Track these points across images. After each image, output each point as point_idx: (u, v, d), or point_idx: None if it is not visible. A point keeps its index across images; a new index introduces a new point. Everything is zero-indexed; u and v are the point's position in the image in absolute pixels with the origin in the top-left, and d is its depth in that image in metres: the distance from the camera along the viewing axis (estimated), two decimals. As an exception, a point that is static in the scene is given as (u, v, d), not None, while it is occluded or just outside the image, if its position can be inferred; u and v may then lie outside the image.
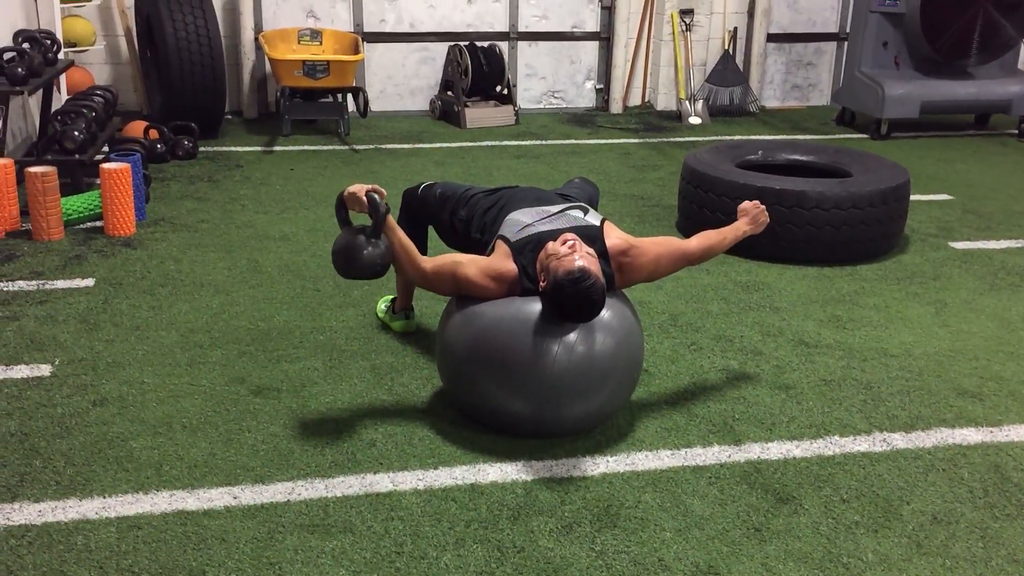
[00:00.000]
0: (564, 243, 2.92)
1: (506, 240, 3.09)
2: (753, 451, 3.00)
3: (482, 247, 3.23)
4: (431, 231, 3.64)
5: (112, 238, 4.73)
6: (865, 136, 7.46)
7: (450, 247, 3.51)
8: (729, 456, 2.97)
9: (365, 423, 3.11)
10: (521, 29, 7.94)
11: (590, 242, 3.02)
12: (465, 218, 3.40)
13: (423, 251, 3.69)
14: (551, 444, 3.00)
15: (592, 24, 8.07)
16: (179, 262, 4.45)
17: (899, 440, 3.08)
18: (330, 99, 7.07)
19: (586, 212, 3.22)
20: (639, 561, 2.47)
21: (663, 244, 3.20)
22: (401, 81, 7.84)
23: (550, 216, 3.15)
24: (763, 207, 3.44)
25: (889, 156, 6.38)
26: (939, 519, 2.68)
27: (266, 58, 7.11)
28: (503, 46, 7.75)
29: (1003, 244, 4.99)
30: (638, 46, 8.13)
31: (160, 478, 2.78)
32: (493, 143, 6.96)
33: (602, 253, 3.05)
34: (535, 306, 2.93)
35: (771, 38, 8.33)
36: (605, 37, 8.07)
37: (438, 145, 6.88)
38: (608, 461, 2.93)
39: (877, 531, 2.62)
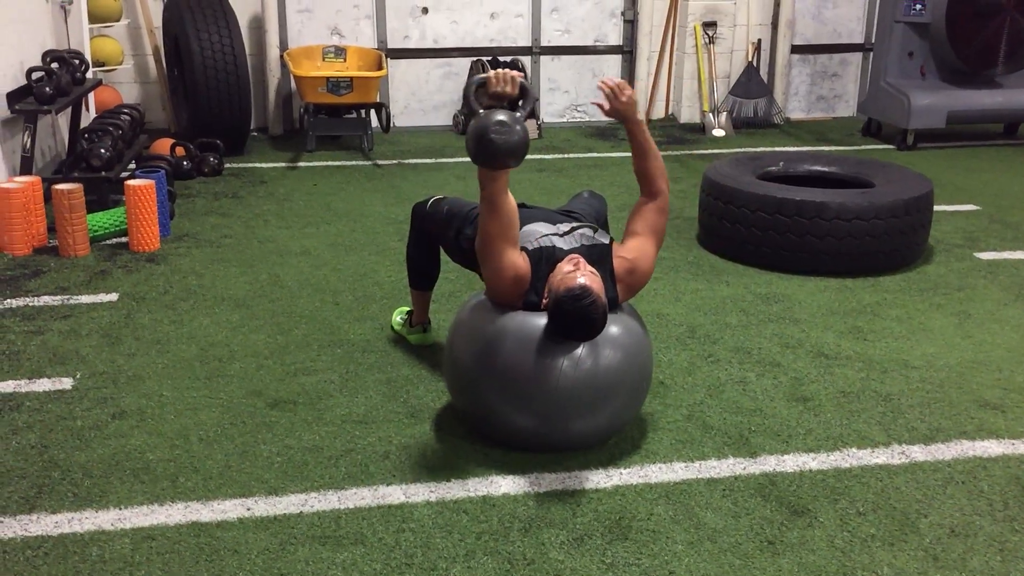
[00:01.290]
0: (569, 262, 2.92)
1: (524, 249, 3.07)
2: (768, 463, 2.97)
3: None
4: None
5: (136, 253, 4.79)
6: (891, 147, 7.40)
7: (460, 264, 3.52)
8: (744, 468, 2.95)
9: (379, 436, 3.12)
10: (544, 43, 7.97)
11: (599, 262, 3.01)
12: (472, 237, 3.37)
13: (436, 270, 3.70)
14: (564, 456, 2.99)
15: (615, 38, 8.08)
16: (201, 277, 4.50)
17: (918, 452, 3.04)
18: (354, 115, 7.14)
19: (595, 231, 3.20)
20: (650, 574, 2.45)
21: (651, 229, 3.13)
22: (425, 97, 7.89)
23: (562, 235, 3.14)
24: (615, 86, 3.06)
25: (915, 167, 6.32)
26: (957, 532, 2.64)
27: (291, 75, 7.19)
28: (526, 60, 7.77)
29: (1029, 254, 4.92)
30: (661, 59, 8.13)
31: (176, 490, 2.80)
32: (516, 157, 6.97)
33: (610, 273, 3.04)
34: (541, 320, 2.92)
35: (795, 49, 8.30)
36: (628, 51, 8.08)
37: (460, 160, 6.90)
38: (621, 473, 2.92)
39: (893, 544, 2.58)
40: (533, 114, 7.61)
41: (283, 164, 6.72)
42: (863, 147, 7.44)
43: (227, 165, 6.54)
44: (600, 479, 2.88)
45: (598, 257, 3.03)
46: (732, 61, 8.12)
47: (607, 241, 3.13)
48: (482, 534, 2.61)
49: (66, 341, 3.78)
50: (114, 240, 4.98)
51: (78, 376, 3.49)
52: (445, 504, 2.75)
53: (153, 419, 3.20)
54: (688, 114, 8.17)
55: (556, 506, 2.74)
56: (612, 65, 8.13)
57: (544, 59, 8.00)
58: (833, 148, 7.34)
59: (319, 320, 4.03)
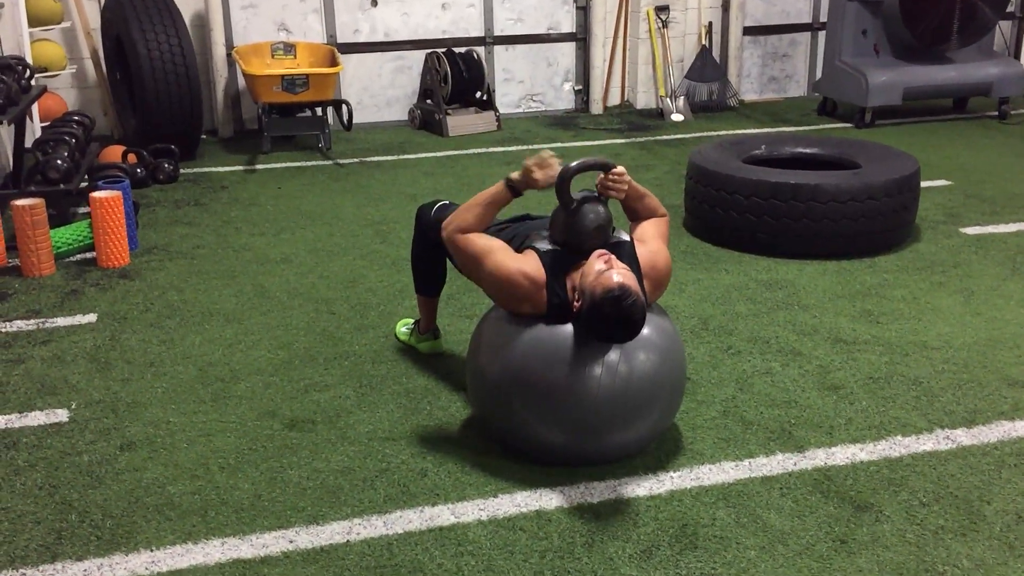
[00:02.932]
0: (599, 259, 2.76)
1: (536, 250, 2.93)
2: (818, 457, 2.90)
3: None
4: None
5: (107, 270, 4.52)
6: (849, 125, 7.44)
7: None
8: (795, 464, 2.87)
9: (411, 452, 2.96)
10: (497, 33, 7.82)
11: (627, 260, 2.88)
12: None
13: (443, 276, 3.54)
14: (610, 464, 2.87)
15: (568, 25, 7.97)
16: (182, 292, 4.27)
17: (963, 436, 3.00)
18: (308, 113, 6.90)
19: (613, 229, 3.07)
20: (730, 583, 2.36)
21: (658, 233, 3.04)
22: (378, 92, 7.68)
23: None
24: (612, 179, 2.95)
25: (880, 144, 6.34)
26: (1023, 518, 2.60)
27: (241, 74, 6.91)
28: (480, 51, 7.62)
29: (1013, 227, 4.96)
30: (615, 45, 8.05)
31: (207, 525, 2.61)
32: (479, 150, 6.83)
33: (637, 270, 2.90)
34: (568, 327, 2.77)
35: (746, 31, 8.30)
36: (582, 38, 7.98)
37: (423, 155, 6.73)
38: (672, 477, 2.82)
39: (965, 535, 2.53)
40: (491, 105, 7.47)
41: (240, 167, 6.45)
42: (822, 126, 7.46)
43: (182, 171, 6.25)
44: (652, 485, 2.78)
45: (621, 254, 2.89)
46: (685, 45, 8.08)
47: (628, 238, 2.99)
48: (545, 552, 2.49)
49: (51, 369, 3.53)
50: (79, 256, 4.70)
51: (73, 406, 3.25)
52: (499, 522, 2.61)
53: (165, 449, 2.99)
54: (644, 100, 8.11)
55: (614, 517, 2.63)
56: (567, 53, 8.02)
57: (498, 49, 7.85)
58: (794, 128, 7.36)
59: (317, 331, 3.84)
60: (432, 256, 3.52)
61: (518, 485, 2.78)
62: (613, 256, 2.80)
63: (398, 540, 2.55)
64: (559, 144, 6.98)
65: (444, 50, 7.39)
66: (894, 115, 7.58)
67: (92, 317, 3.98)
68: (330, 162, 6.56)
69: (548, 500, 2.71)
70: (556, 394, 2.74)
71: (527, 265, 2.83)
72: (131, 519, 2.64)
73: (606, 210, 2.85)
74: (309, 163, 6.56)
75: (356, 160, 6.62)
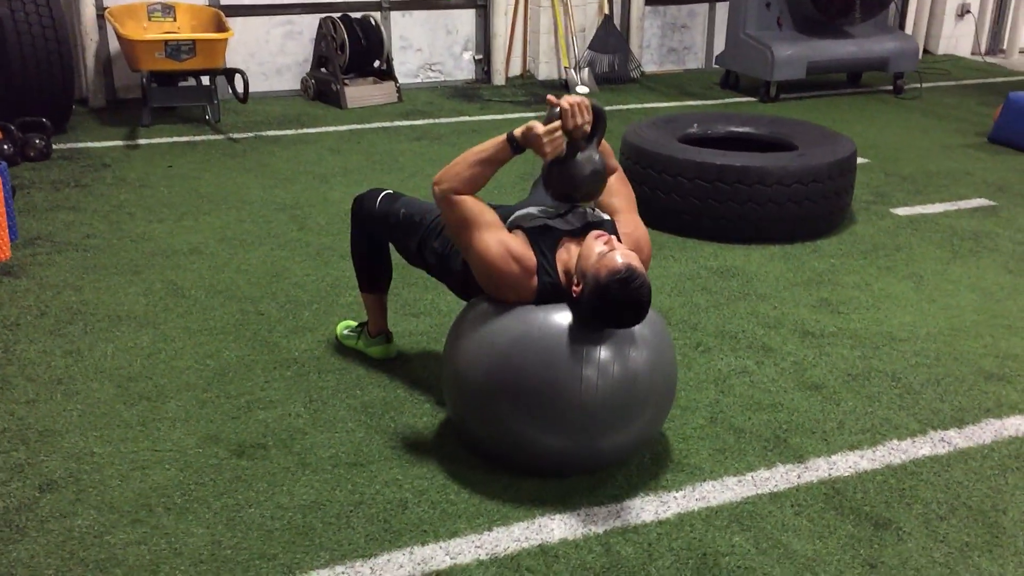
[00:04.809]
0: (598, 240, 2.54)
1: (521, 228, 2.67)
2: (820, 468, 2.74)
3: (466, 278, 2.80)
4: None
5: (-15, 265, 3.97)
6: (753, 99, 7.38)
7: (420, 269, 3.07)
8: (799, 477, 2.70)
9: (384, 479, 2.65)
10: (393, -2, 7.39)
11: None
12: (440, 251, 2.91)
13: (389, 270, 3.22)
14: (600, 482, 2.64)
15: (468, -9, 7.61)
16: (80, 291, 3.77)
17: (957, 438, 2.90)
18: (192, 82, 6.33)
19: (592, 209, 2.84)
20: (769, 623, 2.16)
21: (628, 200, 2.86)
22: (266, 59, 7.14)
23: (559, 215, 2.75)
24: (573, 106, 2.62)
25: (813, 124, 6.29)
26: (1043, 528, 2.50)
27: (117, 38, 6.27)
28: (376, 16, 7.17)
29: (939, 207, 4.96)
30: (516, 13, 7.73)
31: (162, 584, 2.24)
32: (384, 124, 6.43)
33: None
34: (558, 321, 2.54)
35: (647, 1, 8.12)
36: (482, 4, 7.63)
37: (325, 129, 6.28)
38: (676, 498, 2.60)
39: (990, 551, 2.41)
40: (390, 75, 7.06)
41: (120, 142, 5.86)
42: (727, 100, 7.38)
43: (54, 147, 5.62)
44: (657, 508, 2.55)
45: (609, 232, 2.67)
46: (587, 14, 7.84)
47: (608, 218, 2.77)
48: (562, 597, 2.23)
49: (-62, 390, 3.03)
50: (-51, 250, 4.12)
51: (-27, 438, 2.78)
52: (500, 562, 2.34)
53: (94, 487, 2.58)
54: (546, 71, 7.85)
55: (626, 548, 2.39)
56: (466, 21, 7.66)
57: (395, 15, 7.42)
58: (701, 103, 7.25)
59: (247, 336, 3.44)
60: (375, 253, 3.20)
61: (512, 514, 2.51)
62: (613, 237, 2.58)
63: (391, 590, 2.24)
64: (467, 118, 6.66)
65: (340, 15, 6.92)
66: (796, 89, 7.58)
67: (-22, 324, 3.47)
68: (222, 136, 6.04)
69: (549, 532, 2.45)
70: (548, 394, 2.51)
71: (518, 247, 2.59)
72: (69, 581, 2.24)
73: (600, 157, 2.66)
74: (198, 137, 6.01)
75: (251, 134, 6.11)
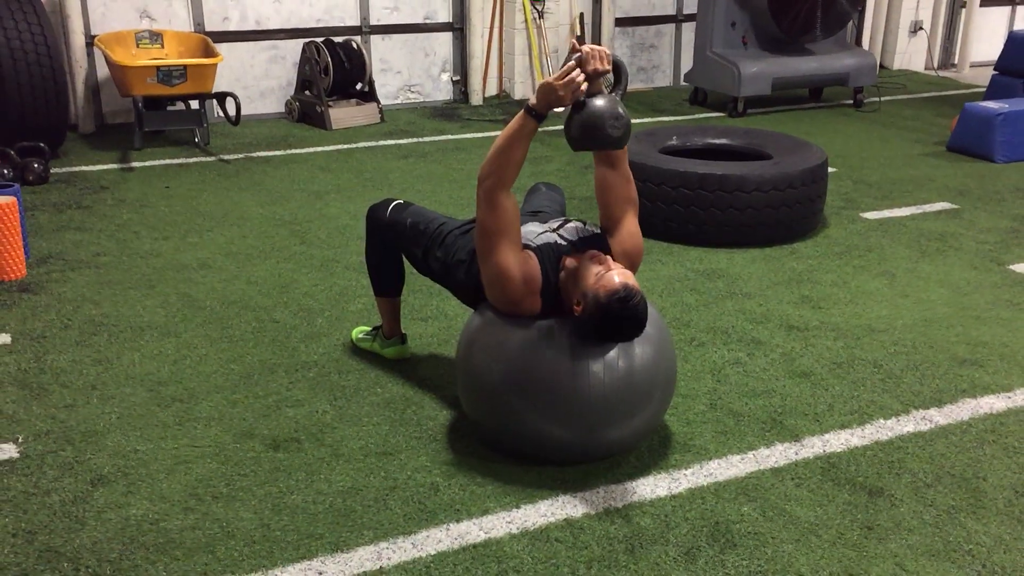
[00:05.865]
0: (593, 260, 2.74)
1: (528, 247, 2.86)
2: (815, 445, 2.98)
3: (471, 287, 3.01)
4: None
5: (3, 283, 4.10)
6: (722, 114, 7.68)
7: (427, 277, 3.29)
8: (796, 453, 2.93)
9: (414, 466, 2.84)
10: (373, 22, 7.60)
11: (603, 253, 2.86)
12: (443, 259, 3.12)
13: (402, 275, 3.42)
14: (619, 465, 2.85)
15: (444, 15, 7.84)
16: (99, 305, 3.92)
17: (937, 416, 3.15)
18: (182, 107, 6.50)
19: (585, 223, 3.04)
20: (781, 579, 2.38)
21: (628, 201, 2.95)
22: (251, 83, 7.32)
23: (555, 229, 2.96)
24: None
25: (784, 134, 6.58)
26: (1019, 491, 2.75)
27: (108, 65, 6.42)
28: (356, 40, 7.38)
29: (905, 211, 5.25)
30: (491, 36, 7.99)
31: (220, 562, 2.41)
32: (370, 143, 6.63)
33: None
34: (564, 324, 2.75)
35: (617, 22, 8.42)
36: (459, 27, 7.87)
37: (313, 149, 6.47)
38: (686, 475, 2.82)
39: (975, 513, 2.65)
40: (372, 97, 7.26)
41: (114, 165, 6.00)
42: (697, 115, 7.67)
43: (52, 171, 5.76)
44: (669, 485, 2.77)
45: (601, 249, 2.87)
46: (559, 35, 8.11)
47: (598, 231, 2.98)
48: (591, 562, 2.43)
49: (-22, 398, 3.17)
50: (-36, 269, 4.24)
51: (20, 440, 2.93)
52: (531, 534, 2.54)
53: (143, 481, 2.74)
54: (521, 90, 8.10)
55: (645, 520, 2.60)
56: (444, 43, 7.90)
57: (375, 39, 7.64)
58: (673, 118, 7.53)
59: (266, 342, 3.62)
60: (389, 259, 3.40)
61: (536, 492, 2.71)
62: (608, 258, 2.78)
63: (433, 561, 2.43)
64: (450, 136, 6.88)
65: (323, 39, 7.13)
66: (762, 104, 7.89)
67: (6, 338, 3.60)
68: (213, 158, 6.20)
69: (573, 507, 2.65)
70: (560, 391, 2.71)
71: (530, 270, 2.78)
72: (132, 562, 2.40)
73: (626, 120, 2.72)
74: (190, 160, 6.17)
75: (241, 156, 6.27)
